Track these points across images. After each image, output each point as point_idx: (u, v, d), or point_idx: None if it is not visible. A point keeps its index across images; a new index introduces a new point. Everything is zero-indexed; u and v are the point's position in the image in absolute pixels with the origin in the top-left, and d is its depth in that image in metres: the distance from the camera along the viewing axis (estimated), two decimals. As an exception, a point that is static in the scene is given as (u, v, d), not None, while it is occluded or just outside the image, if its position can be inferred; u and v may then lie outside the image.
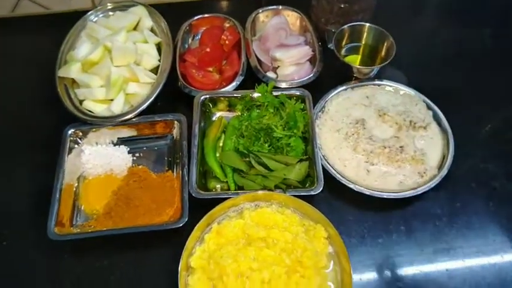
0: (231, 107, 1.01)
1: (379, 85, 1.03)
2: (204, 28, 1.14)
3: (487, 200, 0.91)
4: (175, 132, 0.96)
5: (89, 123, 0.94)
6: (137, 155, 0.95)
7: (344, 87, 1.02)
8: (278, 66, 1.06)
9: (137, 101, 0.97)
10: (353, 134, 0.94)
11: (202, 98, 0.98)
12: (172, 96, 1.02)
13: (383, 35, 1.04)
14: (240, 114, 0.98)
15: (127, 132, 0.96)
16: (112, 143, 0.96)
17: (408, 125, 0.95)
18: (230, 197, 0.83)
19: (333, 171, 0.89)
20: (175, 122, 0.96)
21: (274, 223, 0.80)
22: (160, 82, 0.99)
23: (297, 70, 1.05)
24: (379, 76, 1.05)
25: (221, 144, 0.95)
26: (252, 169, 0.89)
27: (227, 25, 1.13)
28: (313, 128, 0.93)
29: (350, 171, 0.90)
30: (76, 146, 0.94)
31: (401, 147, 0.91)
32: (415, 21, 1.23)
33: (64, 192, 0.87)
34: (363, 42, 1.08)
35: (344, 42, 1.08)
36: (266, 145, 0.92)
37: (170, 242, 0.82)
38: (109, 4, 1.12)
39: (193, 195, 0.84)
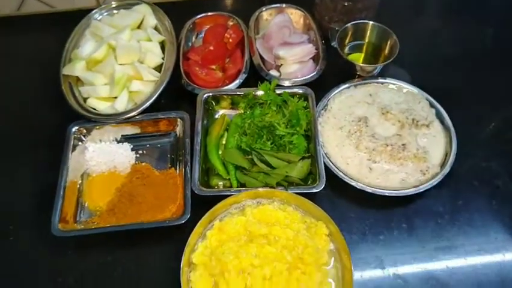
0: (233, 105, 1.01)
1: (382, 83, 1.03)
2: (208, 26, 1.14)
3: (489, 199, 0.91)
4: (178, 129, 0.97)
5: (93, 120, 0.95)
6: (140, 152, 0.96)
7: (347, 85, 1.02)
8: (281, 64, 1.06)
9: (140, 99, 0.98)
10: (356, 132, 0.94)
11: (205, 96, 0.98)
12: (176, 94, 1.02)
13: (387, 33, 1.04)
14: (242, 112, 0.99)
15: (130, 130, 0.97)
16: (116, 140, 0.97)
17: (411, 123, 0.95)
18: (232, 194, 0.83)
19: (335, 168, 0.89)
20: (178, 119, 0.96)
21: (276, 220, 0.81)
22: (163, 80, 0.99)
23: (300, 68, 1.05)
24: (382, 74, 1.05)
25: (224, 141, 0.96)
26: (254, 166, 0.90)
27: (230, 23, 1.14)
28: (316, 125, 0.93)
29: (352, 168, 0.90)
30: (80, 143, 0.95)
31: (403, 145, 0.91)
32: (418, 20, 1.23)
33: (68, 189, 0.88)
34: (366, 41, 1.08)
35: (347, 41, 1.08)
36: (268, 143, 0.92)
37: (172, 238, 0.82)
38: (113, 2, 1.13)
39: (196, 192, 0.85)
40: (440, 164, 0.91)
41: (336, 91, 1.01)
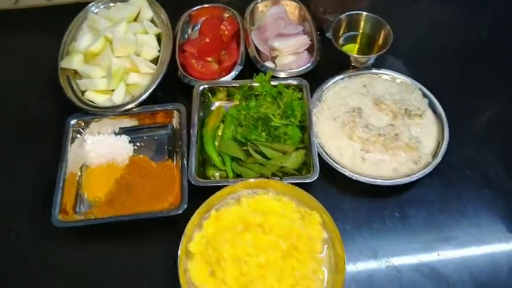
0: (229, 97, 1.02)
1: (376, 74, 1.04)
2: (204, 18, 1.15)
3: (481, 188, 0.92)
4: (175, 121, 0.98)
5: (91, 113, 0.96)
6: (138, 144, 0.97)
7: (341, 76, 1.03)
8: (276, 56, 1.07)
9: (137, 91, 0.99)
10: (350, 123, 0.95)
11: (201, 88, 1.00)
12: (172, 86, 1.03)
13: (380, 24, 1.05)
14: (238, 103, 1.00)
15: (128, 122, 0.98)
16: (114, 132, 0.98)
17: (404, 113, 0.96)
18: (228, 185, 0.85)
19: (329, 159, 0.91)
20: (175, 111, 0.98)
21: (271, 210, 0.82)
22: (160, 72, 1.01)
23: (295, 59, 1.06)
24: (377, 65, 1.05)
25: (220, 133, 0.97)
26: (250, 157, 0.91)
27: (226, 15, 1.15)
28: (311, 116, 0.94)
29: (345, 159, 0.92)
30: (79, 136, 0.96)
31: (396, 135, 0.93)
32: (413, 10, 1.23)
33: (67, 181, 0.89)
34: (360, 31, 1.09)
35: (341, 32, 1.08)
36: (264, 134, 0.93)
37: (170, 228, 0.84)
38: (109, -5, 1.14)
39: (193, 183, 0.87)
40: (432, 154, 0.92)
41: (330, 82, 1.02)
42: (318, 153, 0.90)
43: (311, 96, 0.98)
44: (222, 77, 1.03)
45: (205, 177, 0.91)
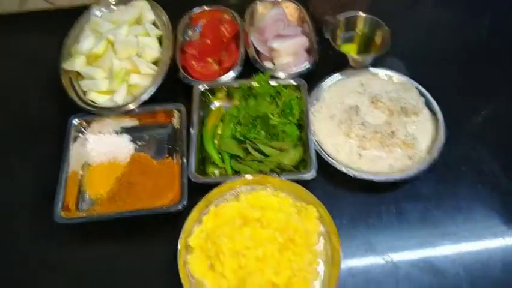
0: (229, 96, 1.04)
1: (374, 73, 1.05)
2: (204, 20, 1.17)
3: (475, 183, 0.94)
4: (175, 121, 1.00)
5: (93, 113, 0.99)
6: (139, 143, 0.99)
7: (339, 76, 1.05)
8: (276, 56, 1.09)
9: (139, 92, 1.01)
10: (347, 121, 0.97)
11: (201, 88, 1.02)
12: (173, 86, 1.05)
13: (378, 24, 1.06)
14: (237, 103, 1.02)
15: (129, 122, 1.00)
16: (115, 132, 1.00)
17: (400, 111, 0.98)
18: (227, 181, 0.86)
19: (326, 156, 0.92)
20: (175, 111, 1.00)
21: (268, 205, 0.84)
22: (161, 73, 1.02)
23: (294, 60, 1.08)
24: (374, 64, 1.07)
25: (219, 131, 0.99)
26: (249, 155, 0.93)
27: (226, 17, 1.17)
28: (308, 115, 0.96)
29: (342, 155, 0.93)
30: (81, 135, 0.98)
31: (392, 132, 0.94)
32: (412, 11, 1.25)
33: (70, 179, 0.91)
34: (358, 32, 1.11)
35: (339, 32, 1.10)
36: (262, 132, 0.95)
37: (170, 223, 0.85)
38: (111, -2, 1.17)
39: (192, 180, 0.88)
40: (427, 150, 0.94)
41: (328, 81, 1.04)
42: (316, 150, 0.92)
43: (309, 95, 1.00)
44: (221, 77, 1.04)
45: (205, 175, 0.93)
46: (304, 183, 0.86)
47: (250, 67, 1.06)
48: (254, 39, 1.11)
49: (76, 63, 1.03)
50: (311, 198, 0.84)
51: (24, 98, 1.10)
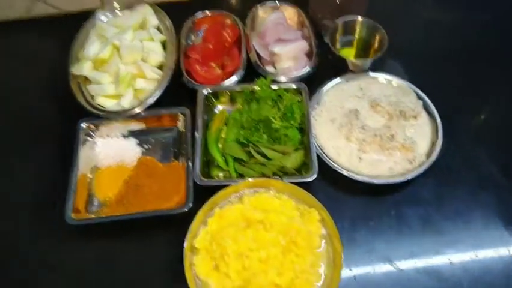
0: (232, 100, 1.07)
1: (373, 77, 1.08)
2: (207, 25, 1.19)
3: (474, 186, 0.96)
4: (180, 124, 1.03)
5: (101, 117, 1.01)
6: (145, 146, 1.02)
7: (338, 80, 1.07)
8: (276, 61, 1.12)
9: (144, 96, 1.04)
10: (347, 124, 0.99)
11: (205, 92, 1.04)
12: (177, 90, 1.07)
13: (376, 28, 1.09)
14: (240, 107, 1.04)
15: (136, 125, 1.03)
16: (123, 135, 1.03)
17: (399, 114, 1.00)
18: (231, 184, 0.89)
19: (327, 159, 0.95)
20: (180, 115, 1.02)
21: (271, 207, 0.86)
22: (165, 78, 1.05)
23: (294, 64, 1.10)
24: (373, 69, 1.09)
25: (223, 135, 1.01)
26: (252, 158, 0.96)
27: (228, 22, 1.19)
28: (309, 119, 0.99)
29: (343, 159, 0.96)
30: (89, 138, 1.01)
31: (391, 135, 0.97)
32: (410, 14, 1.27)
33: (79, 182, 0.94)
34: (356, 36, 1.13)
35: (338, 36, 1.13)
36: (265, 136, 0.98)
37: (176, 225, 0.87)
38: (115, 2, 1.18)
39: (197, 182, 0.91)
40: (426, 154, 0.96)
41: (328, 85, 1.06)
42: (317, 154, 0.94)
43: (310, 99, 1.03)
44: (224, 81, 1.07)
45: (210, 177, 0.95)
46: (306, 186, 0.89)
47: (253, 71, 1.08)
48: (255, 43, 1.14)
49: (83, 68, 1.05)
50: (313, 201, 0.87)
51: (34, 102, 1.13)
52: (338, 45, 1.13)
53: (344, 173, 0.93)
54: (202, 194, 0.89)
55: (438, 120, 1.00)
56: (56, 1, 1.26)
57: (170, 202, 0.92)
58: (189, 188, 0.91)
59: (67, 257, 0.91)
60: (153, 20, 1.16)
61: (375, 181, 0.92)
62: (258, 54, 1.12)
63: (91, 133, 1.01)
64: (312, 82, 1.06)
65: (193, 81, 1.07)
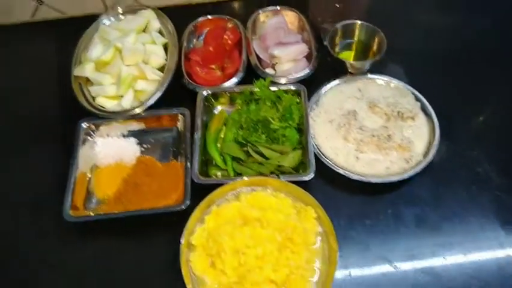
0: (231, 101, 1.08)
1: (371, 79, 1.09)
2: (208, 29, 1.22)
3: (470, 185, 0.96)
4: (180, 125, 1.04)
5: (102, 117, 1.03)
6: (145, 146, 1.03)
7: (337, 81, 1.08)
8: (276, 63, 1.13)
9: (145, 97, 1.05)
10: (345, 125, 1.00)
11: (205, 93, 1.05)
12: (178, 92, 1.09)
13: (374, 31, 1.10)
14: (239, 107, 1.05)
15: (135, 126, 1.04)
16: (122, 135, 1.04)
17: (397, 115, 1.01)
18: (228, 182, 0.90)
19: (325, 158, 0.96)
20: (180, 115, 1.04)
21: (268, 205, 0.87)
22: (166, 79, 1.07)
23: (294, 66, 1.11)
24: (372, 70, 1.10)
25: (222, 135, 1.02)
26: (250, 158, 0.96)
27: (229, 25, 1.21)
28: (308, 119, 0.99)
29: (340, 158, 0.97)
30: (89, 138, 1.02)
31: (388, 136, 0.98)
32: (408, 18, 1.28)
33: (78, 180, 0.95)
34: (355, 39, 1.15)
35: (337, 40, 1.14)
36: (263, 136, 0.98)
37: (174, 223, 0.88)
38: (119, 8, 1.21)
39: (195, 181, 0.92)
40: (423, 153, 0.97)
41: (327, 87, 1.07)
42: (314, 153, 0.95)
43: (308, 100, 1.04)
44: (224, 83, 1.08)
45: (208, 177, 0.96)
46: (303, 185, 0.89)
47: (253, 74, 1.10)
48: (256, 46, 1.15)
49: (86, 70, 1.08)
50: (310, 199, 0.87)
51: (37, 103, 1.15)
52: (337, 48, 1.15)
53: (341, 172, 0.94)
54: (200, 192, 0.90)
55: (436, 120, 1.00)
56: (60, 5, 1.29)
57: (168, 200, 0.93)
58: (187, 186, 0.92)
59: (65, 255, 0.91)
60: (155, 23, 1.19)
61: (372, 180, 0.92)
62: (258, 57, 1.13)
63: (91, 133, 1.03)
64: (312, 84, 1.07)
65: (194, 83, 1.09)
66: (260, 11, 1.22)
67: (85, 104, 1.04)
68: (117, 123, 1.03)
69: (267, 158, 0.95)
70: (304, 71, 1.08)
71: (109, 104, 1.06)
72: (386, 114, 1.01)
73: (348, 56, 1.14)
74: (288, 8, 1.22)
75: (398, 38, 1.11)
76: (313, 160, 0.93)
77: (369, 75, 1.09)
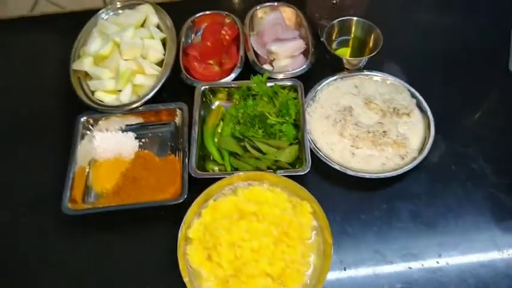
0: (229, 97, 1.09)
1: (367, 75, 1.10)
2: (206, 24, 1.22)
3: (465, 181, 0.97)
4: (178, 119, 1.05)
5: (100, 111, 1.03)
6: (143, 140, 1.04)
7: (334, 78, 1.09)
8: (274, 59, 1.14)
9: (143, 91, 1.06)
10: (341, 121, 1.01)
11: (202, 88, 1.06)
12: (176, 87, 1.10)
13: (371, 28, 1.11)
14: (237, 103, 1.06)
15: (134, 120, 1.05)
16: (121, 129, 1.05)
17: (392, 111, 1.02)
18: (225, 177, 0.91)
19: (321, 154, 0.97)
20: (178, 110, 1.04)
21: (264, 200, 0.88)
22: (164, 74, 1.07)
23: (291, 62, 1.12)
24: (368, 67, 1.11)
25: (219, 130, 1.03)
26: (247, 153, 0.97)
27: (227, 21, 1.21)
28: (304, 115, 1.00)
29: (336, 154, 0.98)
30: (88, 132, 1.03)
31: (384, 132, 0.99)
32: (406, 15, 1.29)
33: (77, 174, 0.96)
34: (352, 36, 1.16)
35: (334, 36, 1.15)
36: (260, 131, 0.99)
37: (171, 216, 0.89)
38: (118, 3, 1.22)
39: (193, 175, 0.93)
40: (418, 150, 0.98)
41: (324, 83, 1.08)
42: (310, 149, 0.96)
43: (305, 96, 1.04)
44: (222, 79, 1.09)
45: (205, 171, 0.97)
46: (299, 181, 0.90)
47: (250, 69, 1.10)
48: (254, 42, 1.16)
49: (84, 64, 1.08)
50: (306, 194, 0.88)
51: (36, 97, 1.15)
52: (334, 45, 1.15)
53: (337, 167, 0.95)
54: (197, 186, 0.91)
55: (431, 117, 1.01)
56: (59, 0, 1.29)
57: (166, 194, 0.93)
58: (184, 180, 0.93)
59: (63, 249, 0.92)
60: (154, 18, 1.19)
61: (367, 175, 0.94)
62: (255, 53, 1.14)
63: (90, 127, 1.03)
64: (308, 80, 1.08)
65: (192, 78, 1.09)
66: (258, 7, 1.23)
67: (84, 98, 1.05)
68: (116, 117, 1.04)
69: (263, 153, 0.96)
70: (301, 67, 1.09)
71: (108, 99, 1.07)
72: (382, 110, 1.02)
73: (344, 53, 1.15)
74: (285, 4, 1.23)
75: (394, 35, 1.12)
76: (310, 155, 0.94)
77: (366, 72, 1.10)
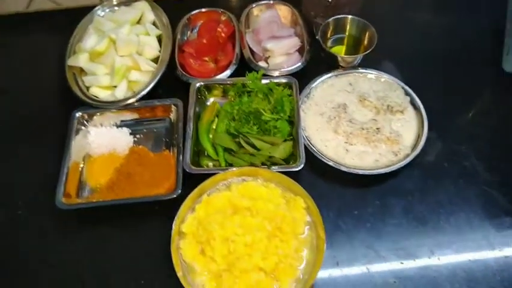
0: (224, 93, 1.09)
1: (362, 73, 1.11)
2: (202, 21, 1.23)
3: (457, 178, 0.98)
4: (173, 115, 1.05)
5: (95, 107, 1.04)
6: (138, 136, 1.04)
7: (329, 75, 1.10)
8: (269, 56, 1.14)
9: (138, 88, 1.07)
10: (335, 118, 1.02)
11: (197, 84, 1.07)
12: (171, 83, 1.10)
13: (365, 26, 1.12)
14: (232, 99, 1.07)
15: (129, 116, 1.05)
16: (116, 125, 1.05)
17: (386, 109, 1.03)
18: (220, 172, 0.91)
19: (315, 150, 0.97)
20: (173, 106, 1.05)
21: (258, 195, 0.88)
22: (160, 70, 1.08)
23: (286, 60, 1.13)
24: (363, 65, 1.12)
25: (214, 126, 1.04)
26: (241, 149, 0.98)
27: (223, 18, 1.22)
28: (299, 111, 1.01)
29: (330, 150, 0.98)
30: (83, 127, 1.03)
31: (377, 128, 0.99)
32: (401, 13, 1.30)
33: (71, 169, 0.96)
34: (347, 34, 1.16)
35: (329, 34, 1.16)
36: (255, 127, 1.00)
37: (165, 211, 0.90)
38: (114, 0, 1.22)
39: (187, 170, 0.93)
40: (411, 147, 0.99)
41: (318, 80, 1.09)
42: (305, 145, 0.96)
43: (300, 93, 1.05)
44: (217, 76, 1.09)
45: (200, 167, 0.97)
46: (293, 177, 0.91)
47: (246, 66, 1.11)
48: (249, 39, 1.16)
49: (80, 60, 1.08)
50: (299, 189, 0.89)
51: (31, 93, 1.15)
52: (329, 43, 1.16)
53: (331, 163, 0.95)
54: (191, 182, 0.91)
55: (424, 115, 1.02)
56: (55, -4, 1.30)
57: (161, 189, 0.94)
58: (179, 176, 0.93)
59: (59, 245, 0.92)
60: (150, 15, 1.20)
61: (360, 172, 0.94)
62: (251, 50, 1.15)
63: (85, 122, 1.04)
64: (303, 77, 1.08)
65: (187, 75, 1.10)
66: (254, 5, 1.23)
67: (79, 93, 1.05)
68: (110, 113, 1.04)
69: (258, 149, 0.97)
70: (296, 65, 1.10)
71: (103, 94, 1.07)
72: (376, 107, 1.03)
73: (339, 50, 1.16)
74: (281, 2, 1.24)
75: (389, 33, 1.13)
76: (304, 152, 0.94)
77: (360, 70, 1.11)
